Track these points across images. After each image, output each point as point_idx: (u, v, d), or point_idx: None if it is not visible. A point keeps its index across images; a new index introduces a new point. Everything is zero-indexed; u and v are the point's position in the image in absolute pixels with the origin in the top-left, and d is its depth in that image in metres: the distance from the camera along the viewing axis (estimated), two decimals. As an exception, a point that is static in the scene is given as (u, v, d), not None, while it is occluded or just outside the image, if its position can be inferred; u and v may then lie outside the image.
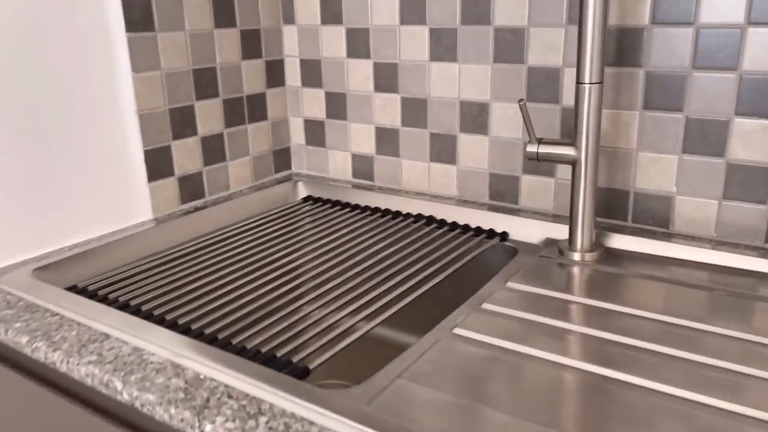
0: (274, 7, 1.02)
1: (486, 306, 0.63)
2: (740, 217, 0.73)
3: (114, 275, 0.77)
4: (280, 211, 0.99)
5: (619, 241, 0.77)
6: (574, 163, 0.71)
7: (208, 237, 0.89)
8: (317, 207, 0.99)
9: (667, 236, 0.78)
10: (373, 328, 0.62)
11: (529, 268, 0.72)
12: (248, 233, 0.90)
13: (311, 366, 0.55)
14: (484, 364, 0.53)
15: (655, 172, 0.78)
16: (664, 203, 0.78)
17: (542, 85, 0.83)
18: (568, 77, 0.81)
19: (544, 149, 0.73)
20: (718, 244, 0.74)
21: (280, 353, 0.57)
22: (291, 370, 0.54)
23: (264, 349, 0.58)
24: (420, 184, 0.98)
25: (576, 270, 0.72)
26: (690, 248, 0.73)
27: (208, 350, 0.55)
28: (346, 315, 0.66)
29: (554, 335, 0.58)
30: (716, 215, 0.75)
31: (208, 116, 0.94)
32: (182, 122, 0.91)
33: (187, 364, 0.54)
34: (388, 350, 0.93)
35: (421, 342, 0.57)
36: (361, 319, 0.64)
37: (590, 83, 0.68)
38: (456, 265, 0.76)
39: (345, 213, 0.96)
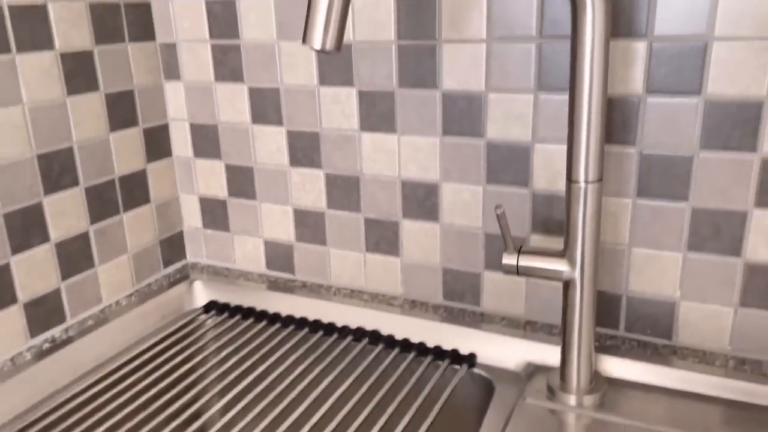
0: (150, 60, 0.79)
1: None
2: (761, 327, 0.59)
3: None
4: (175, 331, 0.75)
5: (616, 367, 0.61)
6: (566, 283, 0.54)
7: (72, 388, 0.64)
8: (223, 320, 0.77)
9: (672, 351, 0.63)
10: None
11: (516, 422, 0.54)
12: (129, 375, 0.67)
13: None
14: None
15: (654, 272, 0.62)
16: (665, 310, 0.63)
17: (506, 164, 0.66)
18: (540, 155, 0.64)
19: (527, 261, 0.56)
20: (734, 362, 0.60)
21: None
22: None
23: None
24: (355, 280, 0.78)
25: (572, 419, 0.55)
26: (702, 376, 0.58)
27: None
28: None
29: None
30: (731, 325, 0.61)
31: (65, 213, 0.70)
32: (25, 228, 0.66)
33: None
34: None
35: None
36: None
37: (587, 182, 0.51)
38: (411, 411, 0.57)
39: (260, 329, 0.74)
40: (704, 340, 0.62)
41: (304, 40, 0.44)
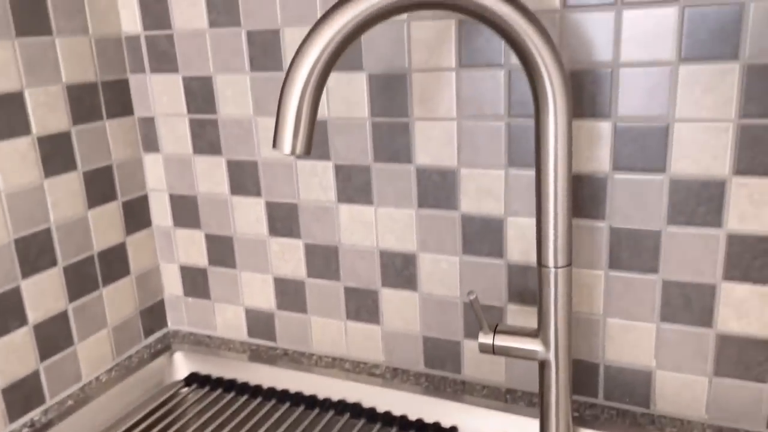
0: (129, 134, 0.80)
1: None
2: (735, 397, 0.60)
3: None
4: (157, 407, 0.75)
5: (598, 436, 0.61)
6: (542, 363, 0.55)
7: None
8: (205, 394, 0.76)
9: (650, 420, 0.63)
10: None
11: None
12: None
13: None
14: None
15: (629, 342, 0.63)
16: (642, 379, 0.64)
17: (481, 236, 0.67)
18: (513, 228, 0.65)
19: (502, 341, 0.56)
20: (711, 431, 0.61)
21: None
22: None
23: None
24: (336, 347, 0.79)
25: (556, 496, 0.55)
26: (685, 443, 0.58)
27: None
28: None
29: None
30: (707, 394, 0.61)
31: (43, 295, 0.70)
32: (2, 314, 0.65)
33: None
34: None
35: None
36: None
37: (556, 267, 0.52)
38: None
39: (242, 403, 0.74)
40: (681, 408, 0.63)
41: (274, 145, 0.45)
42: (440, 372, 0.73)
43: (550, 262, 0.52)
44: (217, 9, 0.72)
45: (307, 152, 0.45)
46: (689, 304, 0.60)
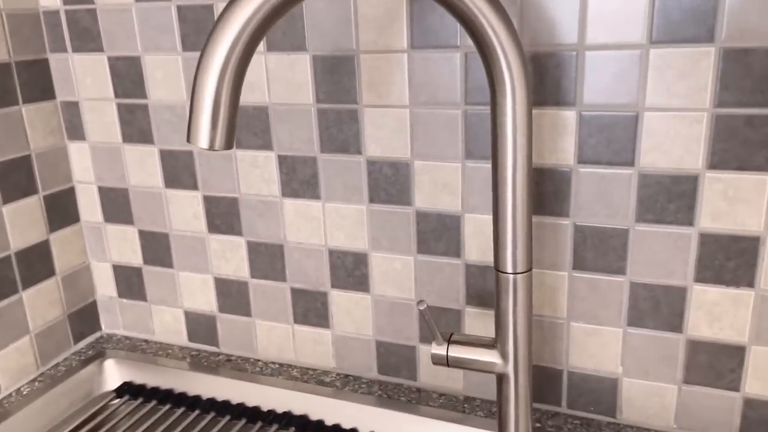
0: (50, 120, 0.72)
1: None
2: (706, 406, 0.56)
3: None
4: (83, 422, 0.68)
5: (560, 449, 0.57)
6: (500, 376, 0.50)
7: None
8: (137, 406, 0.70)
9: (616, 429, 0.59)
10: None
11: None
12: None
13: None
14: None
15: (594, 347, 0.59)
16: (608, 386, 0.60)
17: (437, 233, 0.62)
18: (471, 225, 0.60)
19: (457, 352, 0.51)
20: (681, 440, 0.57)
21: None
22: None
23: None
24: (284, 353, 0.73)
25: None
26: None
27: None
28: None
29: None
30: (675, 403, 0.58)
31: (-51, 301, 0.62)
32: None
33: None
34: None
35: None
36: None
37: (515, 273, 0.47)
38: None
39: (178, 416, 0.67)
40: (649, 417, 0.59)
41: (188, 139, 0.39)
42: (394, 379, 0.68)
43: (509, 268, 0.47)
44: (143, -19, 0.64)
45: (229, 146, 0.39)
46: (658, 308, 0.56)
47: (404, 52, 0.57)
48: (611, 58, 0.51)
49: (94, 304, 0.80)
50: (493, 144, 0.46)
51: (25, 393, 0.69)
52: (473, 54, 0.55)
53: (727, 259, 0.52)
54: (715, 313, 0.54)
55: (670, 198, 0.53)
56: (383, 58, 0.58)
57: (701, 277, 0.54)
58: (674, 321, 0.56)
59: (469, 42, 0.55)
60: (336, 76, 0.60)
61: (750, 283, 0.52)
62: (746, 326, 0.53)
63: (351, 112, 0.61)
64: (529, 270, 0.47)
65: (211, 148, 0.38)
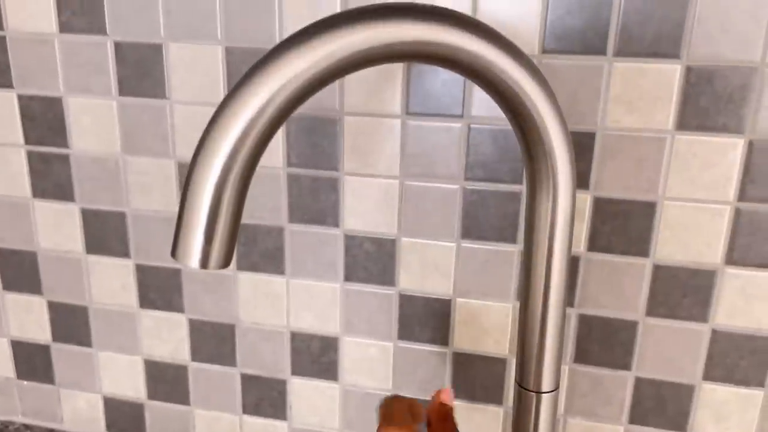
0: (-65, 166, 0.57)
1: None
2: (706, 505, 0.53)
3: None
4: None
5: None
6: (518, 503, 0.44)
7: None
8: None
9: None
10: None
11: None
12: None
13: None
14: None
15: (592, 445, 0.54)
16: (604, 486, 0.55)
17: (423, 319, 0.54)
18: (463, 310, 0.53)
19: (465, 474, 0.44)
20: None
21: None
22: None
23: None
24: (227, 447, 0.62)
25: None
26: None
27: None
28: None
29: None
30: (675, 503, 0.54)
31: None
32: None
33: None
34: None
35: None
36: None
37: (539, 392, 0.41)
38: None
39: None
40: None
41: (174, 255, 0.29)
42: (362, 477, 0.60)
43: (531, 384, 0.41)
44: (71, 8, 0.52)
45: (227, 264, 0.30)
46: (663, 406, 0.52)
47: (397, 117, 0.50)
48: (633, 142, 0.47)
49: (-17, 387, 0.66)
50: (527, 232, 0.39)
51: None
52: (478, 126, 0.49)
53: (740, 358, 0.49)
54: (723, 412, 0.51)
55: (685, 292, 0.49)
56: (372, 123, 0.50)
57: (711, 375, 0.50)
58: (679, 419, 0.52)
59: (474, 113, 0.48)
60: (314, 138, 0.52)
61: (761, 383, 0.49)
62: (753, 426, 0.51)
63: (330, 180, 0.52)
64: (556, 389, 0.41)
65: (204, 267, 0.29)
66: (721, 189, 0.46)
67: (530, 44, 0.46)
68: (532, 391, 0.41)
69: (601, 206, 0.48)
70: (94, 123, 0.55)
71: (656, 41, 0.44)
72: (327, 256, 0.54)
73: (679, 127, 0.46)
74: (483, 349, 0.54)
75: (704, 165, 0.46)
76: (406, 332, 0.55)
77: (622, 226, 0.49)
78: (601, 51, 0.45)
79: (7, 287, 0.62)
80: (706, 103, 0.45)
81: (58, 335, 0.63)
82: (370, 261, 0.54)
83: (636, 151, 0.47)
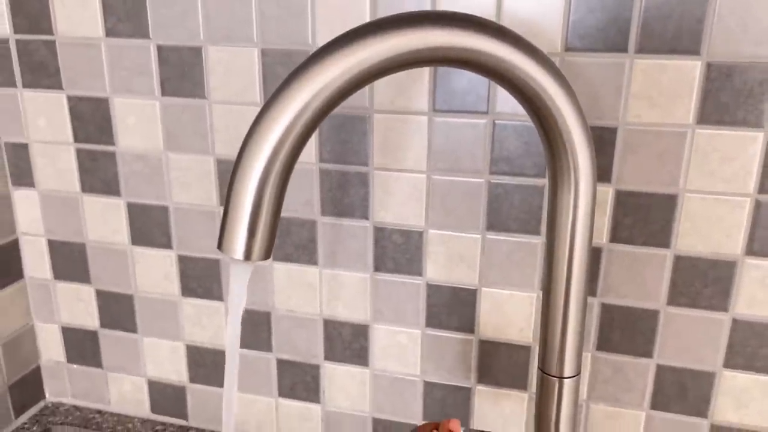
0: (-7, 164, 0.62)
1: None
2: (727, 490, 0.55)
3: None
4: None
5: None
6: (541, 482, 0.46)
7: None
8: (98, 498, 0.61)
9: None
10: None
11: None
12: None
13: None
14: None
15: (614, 429, 0.56)
16: (626, 470, 0.57)
17: (449, 308, 0.57)
18: (488, 300, 0.55)
19: (490, 454, 0.47)
20: None
21: None
22: None
23: None
24: (265, 427, 0.65)
25: None
26: None
27: None
28: None
29: None
30: (696, 487, 0.56)
31: None
32: None
33: None
34: None
35: None
36: None
37: (561, 377, 0.43)
38: None
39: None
40: (667, 501, 0.57)
41: (220, 247, 0.32)
42: (392, 458, 0.63)
43: (554, 370, 0.43)
44: (117, 15, 0.55)
45: (268, 256, 0.33)
46: (684, 393, 0.53)
47: (424, 114, 0.52)
48: (655, 136, 0.48)
49: (37, 370, 0.70)
50: (549, 224, 0.41)
51: (-44, 488, 0.59)
52: (502, 122, 0.51)
53: (760, 347, 0.50)
54: (743, 399, 0.52)
55: (706, 282, 0.50)
56: (400, 120, 0.52)
57: (731, 363, 0.52)
58: (700, 406, 0.53)
59: (498, 108, 0.50)
60: (344, 135, 0.54)
61: (781, 371, 0.51)
62: (774, 413, 0.52)
63: (359, 175, 0.55)
64: (578, 374, 0.43)
65: (248, 259, 0.32)
66: (741, 182, 0.47)
67: (553, 42, 0.48)
68: (555, 377, 0.43)
69: (622, 199, 0.50)
70: (138, 122, 0.58)
71: (677, 38, 0.46)
72: (357, 247, 0.57)
73: (700, 122, 0.47)
74: (507, 337, 0.56)
75: (724, 158, 0.47)
76: (433, 320, 0.57)
77: (644, 218, 0.50)
78: (622, 48, 0.47)
79: (58, 277, 0.66)
80: (726, 99, 0.46)
81: (105, 322, 0.67)
82: (398, 252, 0.56)
83: (657, 145, 0.48)
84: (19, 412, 0.68)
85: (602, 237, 0.51)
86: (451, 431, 0.42)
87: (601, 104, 0.48)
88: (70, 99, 0.59)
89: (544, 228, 0.52)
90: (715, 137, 0.47)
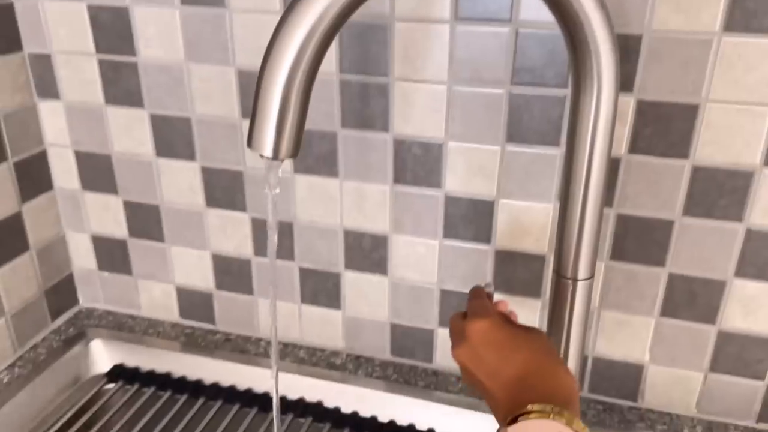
0: (18, 76, 0.62)
1: None
2: (729, 392, 0.57)
3: None
4: (77, 412, 0.63)
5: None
6: (551, 378, 0.48)
7: None
8: (134, 393, 0.65)
9: (638, 414, 0.60)
10: None
11: None
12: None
13: None
14: None
15: (624, 336, 0.58)
16: (632, 373, 0.59)
17: (466, 219, 0.58)
18: (505, 211, 0.57)
19: (503, 353, 0.49)
20: (701, 428, 0.58)
21: None
22: None
23: None
24: (289, 331, 0.69)
25: None
26: (678, 443, 0.55)
27: None
28: None
29: None
30: (699, 389, 0.58)
31: None
32: None
33: None
34: None
35: None
36: None
37: (575, 279, 0.44)
38: None
39: (182, 405, 0.63)
40: (671, 402, 0.59)
41: (249, 144, 0.33)
42: (409, 361, 0.66)
43: (569, 272, 0.45)
44: None
45: (295, 154, 0.34)
46: (694, 300, 0.55)
47: (446, 22, 0.51)
48: (677, 44, 0.47)
49: (70, 277, 0.73)
50: (570, 132, 0.42)
51: (5, 381, 0.63)
52: (525, 30, 0.50)
53: (771, 256, 0.52)
54: (752, 307, 0.54)
55: (722, 192, 0.51)
56: (421, 29, 0.52)
57: (743, 272, 0.53)
58: (709, 313, 0.55)
59: (523, 16, 0.50)
60: (365, 45, 0.54)
61: (791, 280, 0.52)
62: (780, 320, 0.54)
63: (379, 86, 0.55)
64: (591, 277, 0.45)
65: (276, 157, 0.33)
66: (764, 91, 0.47)
67: (580, -55, 0.46)
68: (569, 278, 0.45)
69: (644, 109, 0.50)
70: (158, 32, 0.58)
71: (709, -60, 0.44)
72: (377, 159, 0.58)
73: (726, 29, 0.46)
74: (523, 246, 0.58)
75: (749, 67, 0.47)
76: (451, 231, 0.59)
77: (664, 128, 0.50)
78: (652, -49, 0.45)
79: (87, 187, 0.68)
80: (754, 5, 0.45)
81: (133, 231, 0.69)
82: (417, 164, 0.57)
83: (681, 53, 0.47)
84: (55, 315, 0.72)
85: (621, 148, 0.52)
86: (501, 312, 0.43)
87: (628, 10, 0.47)
88: (90, 8, 0.59)
89: (563, 139, 0.52)
90: (741, 45, 0.46)
